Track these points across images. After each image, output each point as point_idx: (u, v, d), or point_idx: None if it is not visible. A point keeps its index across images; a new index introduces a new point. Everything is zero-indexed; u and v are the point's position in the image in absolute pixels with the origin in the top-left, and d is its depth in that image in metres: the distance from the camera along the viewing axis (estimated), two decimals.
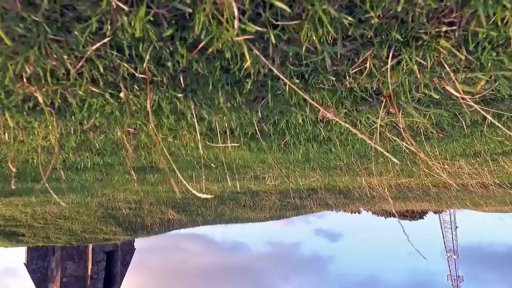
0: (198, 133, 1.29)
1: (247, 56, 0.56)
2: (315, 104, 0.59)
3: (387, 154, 0.65)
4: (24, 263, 18.99)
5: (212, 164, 2.52)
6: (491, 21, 0.55)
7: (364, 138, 0.57)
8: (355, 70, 0.68)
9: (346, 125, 0.59)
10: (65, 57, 0.59)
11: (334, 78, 0.75)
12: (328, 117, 1.19)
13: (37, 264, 19.22)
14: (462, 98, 0.69)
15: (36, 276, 19.10)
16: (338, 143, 2.21)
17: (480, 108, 0.98)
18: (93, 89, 0.72)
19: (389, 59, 0.61)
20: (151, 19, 0.50)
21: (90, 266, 18.36)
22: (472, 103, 0.77)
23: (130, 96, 0.76)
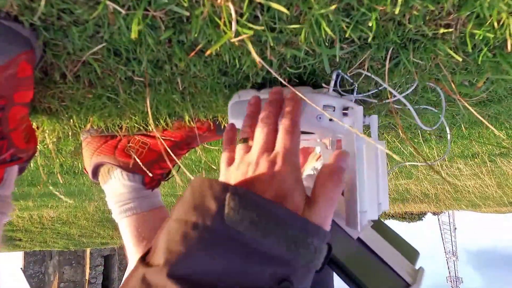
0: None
1: (248, 58, 0.56)
2: (315, 106, 0.59)
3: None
4: (21, 268, 18.83)
5: (211, 167, 2.52)
6: (487, 23, 0.55)
7: (370, 137, 0.57)
8: (353, 73, 0.68)
9: (347, 126, 0.59)
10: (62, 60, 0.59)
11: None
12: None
13: (34, 269, 19.06)
14: (459, 100, 0.69)
15: (33, 281, 18.92)
16: None
17: (477, 110, 0.99)
18: (91, 92, 0.72)
19: (387, 61, 0.61)
20: (149, 22, 0.50)
21: (88, 271, 18.22)
22: (466, 105, 0.77)
23: (128, 99, 0.76)
